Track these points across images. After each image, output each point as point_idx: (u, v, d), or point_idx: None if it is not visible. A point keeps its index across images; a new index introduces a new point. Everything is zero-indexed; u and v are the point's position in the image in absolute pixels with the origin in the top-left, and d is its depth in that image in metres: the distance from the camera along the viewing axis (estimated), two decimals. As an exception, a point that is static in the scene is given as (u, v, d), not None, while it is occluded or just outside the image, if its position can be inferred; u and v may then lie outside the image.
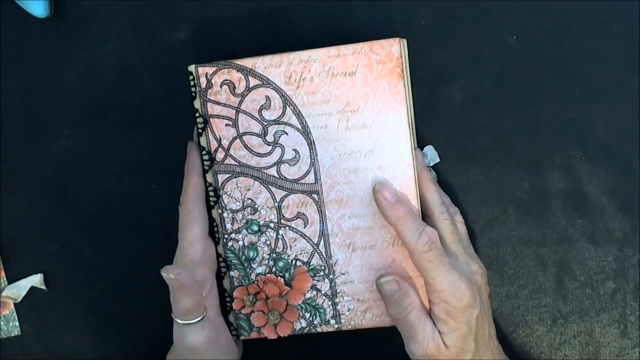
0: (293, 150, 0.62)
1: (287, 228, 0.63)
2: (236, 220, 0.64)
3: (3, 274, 0.69)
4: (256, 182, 0.63)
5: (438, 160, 0.66)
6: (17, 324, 0.70)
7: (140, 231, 0.69)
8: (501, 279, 0.68)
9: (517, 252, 0.68)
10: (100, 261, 0.69)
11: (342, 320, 0.64)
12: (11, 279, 0.69)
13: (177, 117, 0.67)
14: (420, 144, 0.66)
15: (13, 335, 0.70)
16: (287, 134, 0.62)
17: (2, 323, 0.69)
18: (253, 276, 0.64)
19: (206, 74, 0.62)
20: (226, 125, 0.63)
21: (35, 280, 0.69)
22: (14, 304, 0.69)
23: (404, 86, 0.61)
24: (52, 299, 0.70)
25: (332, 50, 0.61)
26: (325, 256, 0.63)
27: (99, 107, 0.68)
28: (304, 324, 0.64)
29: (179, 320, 0.58)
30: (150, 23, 0.67)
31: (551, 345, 0.68)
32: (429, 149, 0.66)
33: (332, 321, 0.64)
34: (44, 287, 0.69)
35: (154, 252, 0.69)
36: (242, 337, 0.65)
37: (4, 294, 0.69)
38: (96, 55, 0.67)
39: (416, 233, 0.59)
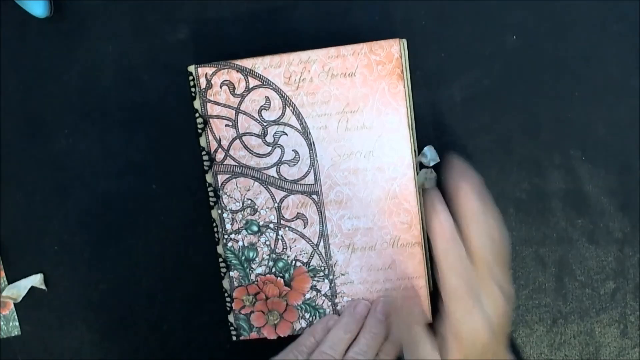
0: (293, 150, 0.62)
1: (287, 229, 0.63)
2: (236, 221, 0.64)
3: (3, 274, 0.69)
4: (256, 183, 0.63)
5: (438, 160, 0.66)
6: (17, 324, 0.70)
7: (140, 231, 0.68)
8: (501, 279, 0.68)
9: (517, 252, 0.67)
10: (100, 261, 0.69)
11: (342, 321, 0.64)
12: (11, 279, 0.69)
13: (177, 117, 0.67)
14: (420, 144, 0.66)
15: (13, 335, 0.70)
16: (286, 134, 0.62)
17: (2, 323, 0.70)
18: (253, 276, 0.64)
19: (206, 74, 0.62)
20: (226, 125, 0.63)
21: (35, 280, 0.69)
22: (14, 304, 0.70)
23: (404, 87, 0.61)
24: (52, 299, 0.70)
25: (332, 50, 0.61)
26: (324, 257, 0.63)
27: (99, 107, 0.68)
28: (303, 324, 0.65)
29: None
30: (150, 23, 0.67)
31: (551, 345, 0.68)
32: (429, 149, 0.66)
33: (332, 322, 0.64)
34: (44, 287, 0.69)
35: (154, 252, 0.69)
36: (241, 338, 0.65)
37: (4, 294, 0.69)
38: (96, 55, 0.67)
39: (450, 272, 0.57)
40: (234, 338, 0.66)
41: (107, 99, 0.68)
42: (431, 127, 0.66)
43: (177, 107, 0.67)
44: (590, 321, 0.68)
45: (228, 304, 0.65)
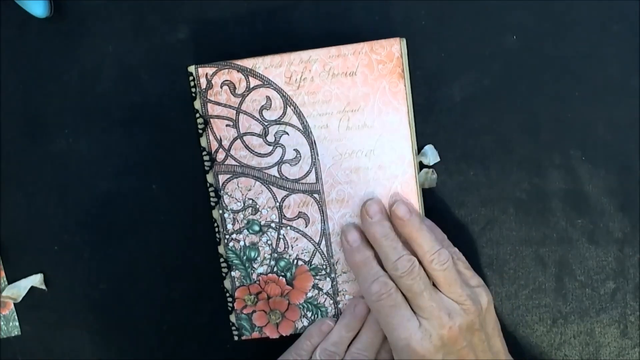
0: (294, 150, 0.62)
1: (289, 228, 0.63)
2: (237, 221, 0.64)
3: (3, 274, 0.69)
4: (257, 182, 0.63)
5: (438, 159, 0.66)
6: (17, 324, 0.70)
7: (140, 231, 0.68)
8: (501, 279, 0.68)
9: (517, 252, 0.68)
10: (100, 261, 0.69)
11: (343, 320, 0.64)
12: (11, 279, 0.69)
13: (177, 117, 0.67)
14: (420, 144, 0.66)
15: (13, 335, 0.70)
16: (287, 134, 0.62)
17: (2, 323, 0.69)
18: (254, 276, 0.64)
19: (206, 74, 0.62)
20: (227, 125, 0.63)
21: (35, 280, 0.69)
22: (14, 304, 0.69)
23: (405, 86, 0.61)
24: (52, 299, 0.70)
25: (333, 50, 0.61)
26: (326, 255, 0.63)
27: (99, 107, 0.68)
28: (305, 323, 0.64)
29: None
30: (150, 23, 0.67)
31: (551, 345, 0.68)
32: (429, 149, 0.66)
33: (334, 320, 0.64)
34: (44, 287, 0.69)
35: (154, 252, 0.68)
36: (243, 337, 0.65)
37: (4, 294, 0.69)
38: (96, 55, 0.67)
39: (368, 281, 0.60)
40: (236, 338, 0.65)
41: (107, 99, 0.68)
42: (431, 127, 0.66)
43: (177, 107, 0.67)
44: (590, 321, 0.68)
45: (230, 304, 0.65)
